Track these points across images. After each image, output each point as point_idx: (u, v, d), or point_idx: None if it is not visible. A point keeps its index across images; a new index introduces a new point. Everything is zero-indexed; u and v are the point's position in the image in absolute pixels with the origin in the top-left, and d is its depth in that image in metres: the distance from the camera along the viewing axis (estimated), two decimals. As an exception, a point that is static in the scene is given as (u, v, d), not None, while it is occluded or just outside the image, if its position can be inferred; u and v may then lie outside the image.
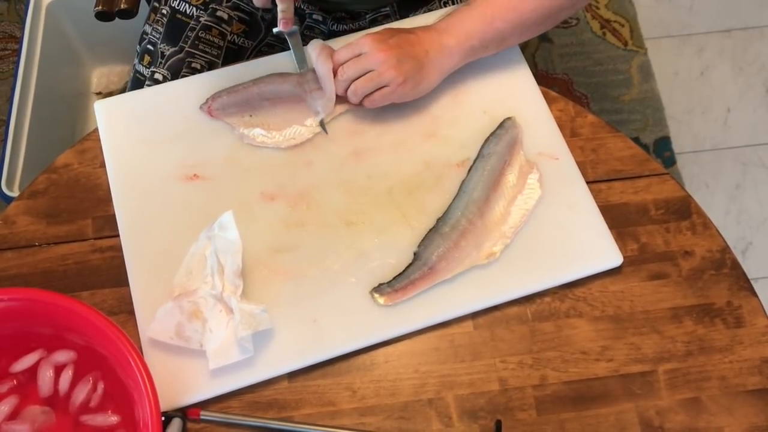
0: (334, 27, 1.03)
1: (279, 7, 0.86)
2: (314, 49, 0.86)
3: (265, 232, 0.82)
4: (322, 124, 0.87)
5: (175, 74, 0.99)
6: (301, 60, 0.90)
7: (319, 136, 0.88)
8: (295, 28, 0.88)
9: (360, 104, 0.87)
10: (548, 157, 0.86)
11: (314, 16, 1.03)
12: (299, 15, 1.04)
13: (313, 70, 0.88)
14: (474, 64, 0.88)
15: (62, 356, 0.74)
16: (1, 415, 0.71)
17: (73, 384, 0.73)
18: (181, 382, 0.74)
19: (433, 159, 0.86)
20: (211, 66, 1.01)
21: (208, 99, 0.88)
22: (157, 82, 0.99)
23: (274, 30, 0.89)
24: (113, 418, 0.73)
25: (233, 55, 1.04)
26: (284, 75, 0.89)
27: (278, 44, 1.06)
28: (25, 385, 0.74)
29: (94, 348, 0.72)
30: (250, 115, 0.88)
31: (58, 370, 0.73)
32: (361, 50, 0.84)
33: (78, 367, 0.74)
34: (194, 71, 0.99)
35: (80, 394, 0.73)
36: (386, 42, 0.82)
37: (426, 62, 0.83)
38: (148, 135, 0.88)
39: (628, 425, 0.74)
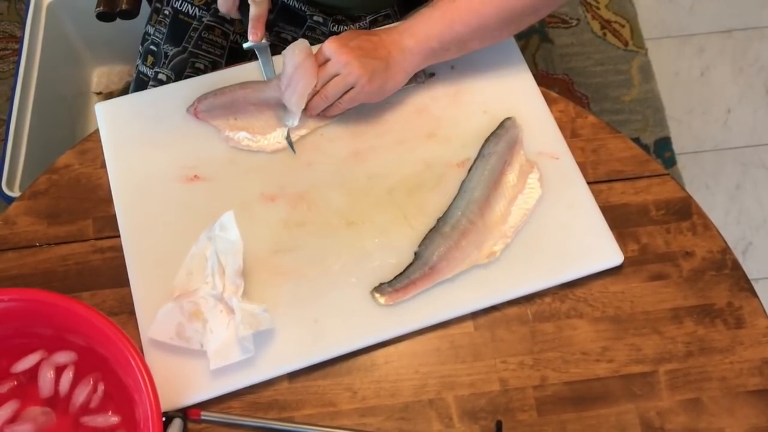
0: (335, 29, 1.02)
1: (251, 13, 0.84)
2: (294, 57, 0.83)
3: (266, 233, 0.82)
4: (289, 140, 0.86)
5: (178, 74, 0.99)
6: (271, 72, 0.89)
7: (318, 136, 0.88)
8: (266, 42, 0.87)
9: (323, 114, 0.86)
10: (548, 156, 0.86)
11: (315, 18, 1.03)
12: (300, 17, 1.04)
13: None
14: (474, 65, 0.88)
15: (63, 357, 0.74)
16: (1, 419, 0.71)
17: (74, 385, 0.73)
18: (182, 383, 0.74)
19: (434, 159, 0.86)
20: (214, 66, 1.01)
21: (194, 101, 0.88)
22: (161, 82, 0.99)
23: (245, 45, 0.87)
24: (114, 419, 0.73)
25: (236, 55, 1.04)
26: (268, 81, 0.89)
27: (280, 44, 1.06)
28: (26, 386, 0.74)
29: (95, 349, 0.72)
30: (235, 118, 0.87)
31: (59, 370, 0.73)
32: (326, 57, 0.84)
33: (78, 367, 0.74)
34: (198, 71, 0.99)
35: (81, 395, 0.73)
36: (347, 45, 0.82)
37: (390, 62, 0.83)
38: (149, 136, 0.88)
39: (628, 426, 0.74)
